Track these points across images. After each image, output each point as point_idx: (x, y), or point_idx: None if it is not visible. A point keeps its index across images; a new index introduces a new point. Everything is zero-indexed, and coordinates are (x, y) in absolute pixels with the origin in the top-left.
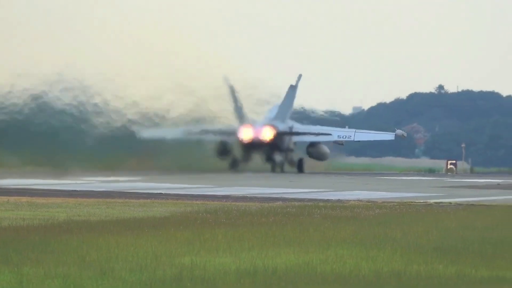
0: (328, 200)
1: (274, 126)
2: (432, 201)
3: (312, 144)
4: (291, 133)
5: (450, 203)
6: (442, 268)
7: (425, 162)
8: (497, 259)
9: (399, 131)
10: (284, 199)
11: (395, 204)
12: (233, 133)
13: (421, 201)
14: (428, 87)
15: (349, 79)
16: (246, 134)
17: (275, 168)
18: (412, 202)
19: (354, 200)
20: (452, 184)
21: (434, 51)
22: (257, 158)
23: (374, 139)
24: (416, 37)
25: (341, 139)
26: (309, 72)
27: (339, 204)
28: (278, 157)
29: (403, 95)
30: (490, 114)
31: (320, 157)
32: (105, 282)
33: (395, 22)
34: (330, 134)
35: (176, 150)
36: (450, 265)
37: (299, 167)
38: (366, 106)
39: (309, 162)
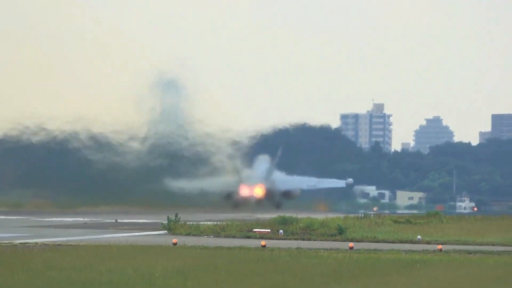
0: None
1: (263, 186)
2: (17, 241)
3: (287, 190)
4: (275, 190)
5: (37, 243)
6: None
7: None
8: None
9: (349, 180)
10: None
11: None
12: (235, 189)
13: (6, 241)
14: None
15: None
16: (243, 191)
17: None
18: None
19: None
20: (40, 223)
21: None
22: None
23: (329, 186)
24: None
25: (310, 187)
26: None
27: None
28: (264, 201)
29: None
30: None
31: (292, 198)
32: None
33: None
34: (299, 189)
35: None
36: None
37: (278, 206)
38: None
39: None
